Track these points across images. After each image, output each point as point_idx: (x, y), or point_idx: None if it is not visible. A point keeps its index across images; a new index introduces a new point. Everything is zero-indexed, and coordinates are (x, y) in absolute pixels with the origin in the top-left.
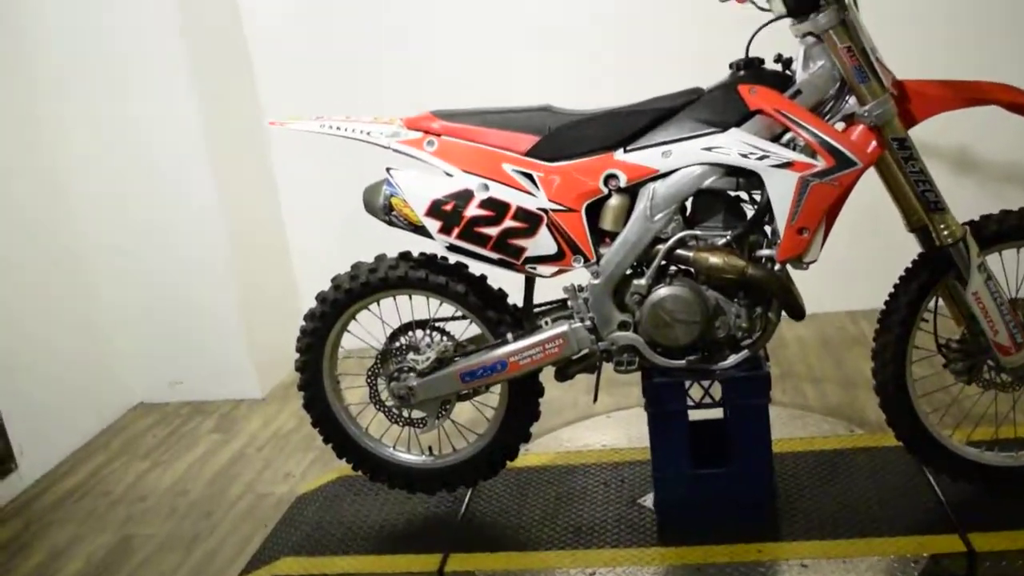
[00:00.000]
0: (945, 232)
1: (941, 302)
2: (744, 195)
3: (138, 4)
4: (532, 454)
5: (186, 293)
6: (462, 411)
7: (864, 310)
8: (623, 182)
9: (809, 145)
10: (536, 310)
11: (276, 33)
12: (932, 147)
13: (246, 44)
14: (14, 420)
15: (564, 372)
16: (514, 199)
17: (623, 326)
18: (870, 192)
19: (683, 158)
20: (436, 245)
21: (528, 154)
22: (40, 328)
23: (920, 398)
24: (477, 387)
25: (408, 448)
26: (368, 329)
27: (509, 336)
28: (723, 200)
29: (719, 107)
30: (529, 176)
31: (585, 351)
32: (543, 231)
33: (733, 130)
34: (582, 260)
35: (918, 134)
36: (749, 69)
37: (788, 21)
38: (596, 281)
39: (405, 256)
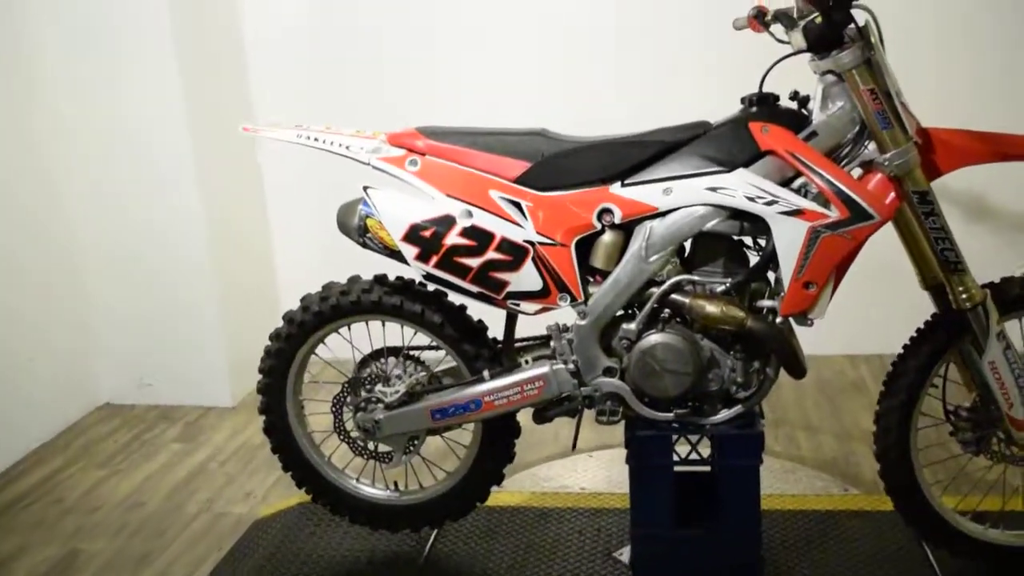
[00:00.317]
0: (964, 296)
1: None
2: (748, 240)
3: (137, 4)
4: (506, 492)
5: (164, 293)
6: (432, 443)
7: (865, 354)
8: (618, 218)
9: (822, 193)
10: (517, 345)
11: (272, 36)
12: (942, 190)
13: (242, 48)
14: None
15: (542, 414)
16: (499, 229)
17: (609, 372)
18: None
19: (685, 197)
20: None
21: (518, 181)
22: (5, 323)
23: (923, 468)
24: (448, 425)
25: (373, 481)
26: (337, 354)
27: (486, 373)
28: (725, 244)
29: (727, 144)
30: (517, 205)
31: (566, 395)
32: (528, 265)
33: (741, 170)
34: (569, 299)
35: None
36: (762, 105)
37: (807, 56)
38: (582, 322)
39: (380, 280)
